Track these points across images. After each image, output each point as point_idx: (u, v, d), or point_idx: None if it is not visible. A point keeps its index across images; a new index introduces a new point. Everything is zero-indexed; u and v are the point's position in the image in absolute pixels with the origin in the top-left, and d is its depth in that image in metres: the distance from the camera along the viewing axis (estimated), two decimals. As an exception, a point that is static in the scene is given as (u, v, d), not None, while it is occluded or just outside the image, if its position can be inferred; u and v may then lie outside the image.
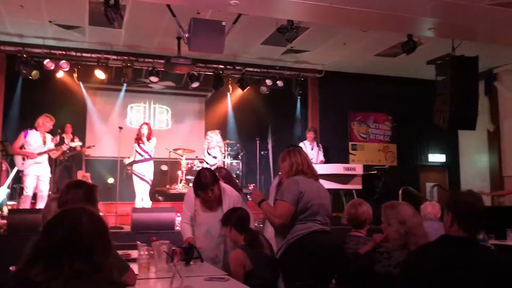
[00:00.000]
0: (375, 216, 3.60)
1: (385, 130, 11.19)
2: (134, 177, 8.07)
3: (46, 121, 7.64)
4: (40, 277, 1.45)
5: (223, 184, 4.08)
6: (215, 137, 9.24)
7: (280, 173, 3.82)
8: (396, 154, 11.17)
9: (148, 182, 8.08)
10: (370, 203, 3.81)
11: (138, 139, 8.13)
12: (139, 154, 8.09)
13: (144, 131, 8.13)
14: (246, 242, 3.46)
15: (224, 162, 9.88)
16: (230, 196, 4.00)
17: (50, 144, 7.76)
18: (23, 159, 7.54)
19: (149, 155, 8.12)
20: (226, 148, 10.06)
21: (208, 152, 9.13)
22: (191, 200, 4.03)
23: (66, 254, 1.51)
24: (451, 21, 7.02)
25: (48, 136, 7.79)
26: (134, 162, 8.08)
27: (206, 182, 3.81)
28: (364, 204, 3.70)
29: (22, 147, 7.57)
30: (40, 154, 7.53)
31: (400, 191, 8.61)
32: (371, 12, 6.60)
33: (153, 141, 8.20)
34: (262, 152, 10.56)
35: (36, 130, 7.62)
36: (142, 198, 8.05)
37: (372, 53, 9.46)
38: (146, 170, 8.05)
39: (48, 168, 7.80)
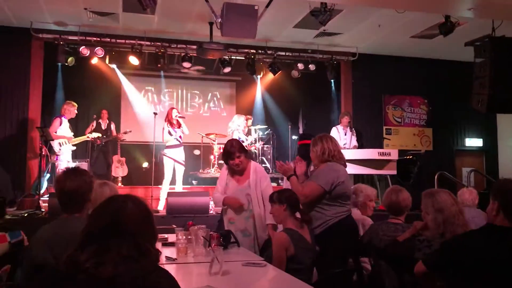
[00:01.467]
0: (415, 203, 3.58)
1: (420, 114, 10.95)
2: (165, 160, 8.11)
3: (69, 108, 8.00)
4: (89, 262, 1.50)
5: (254, 163, 4.32)
6: (236, 120, 9.26)
7: (296, 157, 4.17)
8: (432, 139, 10.92)
9: (181, 163, 8.14)
10: (406, 189, 3.77)
11: (170, 124, 8.15)
12: (173, 137, 8.11)
13: (175, 114, 8.18)
14: (296, 224, 3.41)
15: (254, 146, 9.91)
16: (258, 172, 4.18)
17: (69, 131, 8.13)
18: (60, 144, 7.82)
19: (180, 141, 8.18)
20: (257, 133, 10.06)
21: (238, 136, 9.12)
22: (224, 175, 4.29)
23: (113, 239, 1.55)
24: (491, 0, 6.75)
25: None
26: (168, 146, 8.14)
27: (232, 149, 4.07)
28: (404, 191, 3.66)
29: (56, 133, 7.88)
30: (73, 141, 8.01)
31: (436, 177, 8.46)
32: (407, -7, 6.43)
33: (184, 126, 8.25)
34: (293, 137, 10.52)
35: (64, 117, 7.96)
36: (175, 181, 8.15)
37: (407, 35, 9.22)
38: (178, 154, 8.13)
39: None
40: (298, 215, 3.48)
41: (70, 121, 8.24)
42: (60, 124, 7.95)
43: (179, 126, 8.17)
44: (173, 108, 8.42)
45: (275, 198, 3.49)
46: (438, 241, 2.89)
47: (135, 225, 1.61)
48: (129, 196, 1.71)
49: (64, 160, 7.84)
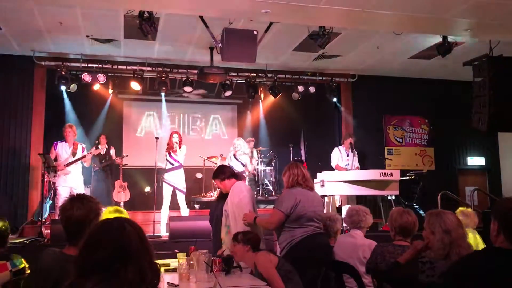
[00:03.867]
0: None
1: (421, 134, 10.97)
2: (164, 185, 8.13)
3: (68, 131, 7.93)
4: None
5: (238, 182, 4.60)
6: (243, 144, 9.24)
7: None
8: (434, 158, 10.92)
9: (181, 191, 8.14)
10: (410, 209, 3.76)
11: (170, 148, 8.20)
12: (170, 163, 8.16)
13: (175, 139, 8.21)
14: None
15: (256, 169, 9.90)
16: (233, 190, 4.49)
17: (82, 155, 7.92)
18: (55, 172, 7.76)
19: (179, 163, 8.19)
20: (259, 155, 10.08)
21: (236, 159, 9.04)
22: None
23: (118, 264, 1.55)
24: (487, 21, 6.84)
25: (80, 147, 8.00)
26: (165, 170, 8.16)
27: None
28: (411, 213, 3.64)
29: (55, 159, 7.83)
30: (67, 165, 7.76)
31: (439, 196, 8.42)
32: (404, 15, 6.52)
33: (183, 149, 8.24)
34: (295, 158, 10.53)
35: (66, 142, 7.91)
36: (180, 206, 8.13)
37: (406, 56, 9.31)
38: (177, 179, 8.11)
39: (81, 179, 8.03)
40: None
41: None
42: (55, 150, 7.89)
43: (175, 151, 8.16)
44: (174, 132, 8.46)
45: (240, 239, 3.69)
46: (441, 262, 2.87)
47: (136, 247, 1.61)
48: (122, 219, 1.71)
49: (64, 185, 7.74)
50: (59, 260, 2.27)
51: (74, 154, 7.94)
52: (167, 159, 8.18)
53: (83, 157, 7.94)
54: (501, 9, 6.35)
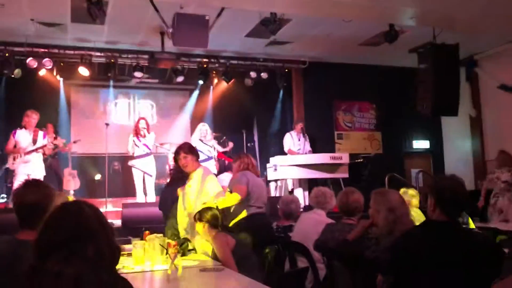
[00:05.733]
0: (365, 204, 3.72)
1: (369, 119, 11.34)
2: (134, 171, 8.08)
3: (30, 117, 7.60)
4: (55, 268, 1.52)
5: (204, 166, 4.63)
6: (209, 129, 9.22)
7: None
8: (381, 142, 11.32)
9: (149, 175, 8.15)
10: (359, 191, 3.92)
11: (137, 134, 8.13)
12: (139, 148, 8.10)
13: (142, 125, 8.15)
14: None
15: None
16: (203, 174, 4.35)
17: (43, 142, 7.67)
18: (13, 159, 7.52)
19: (150, 149, 8.17)
20: (212, 141, 10.09)
21: (204, 143, 8.93)
22: None
23: (76, 244, 1.59)
24: (431, 10, 7.14)
25: (41, 134, 7.74)
26: (134, 157, 8.10)
27: (178, 149, 4.39)
28: (356, 192, 3.81)
29: (14, 146, 7.55)
30: (28, 152, 7.50)
31: (386, 178, 8.77)
32: (353, 3, 6.70)
33: (152, 135, 8.24)
34: (248, 144, 10.63)
35: (25, 128, 7.60)
36: (146, 192, 8.12)
37: (355, 43, 9.55)
38: (148, 165, 8.11)
39: (42, 166, 7.75)
40: None
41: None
42: (14, 137, 7.59)
43: (144, 136, 8.12)
44: (141, 118, 8.39)
45: (197, 218, 3.70)
46: (385, 239, 3.03)
47: (95, 227, 1.65)
48: (80, 201, 1.76)
49: (22, 173, 7.48)
50: (12, 246, 2.25)
51: (34, 141, 7.60)
52: (135, 144, 8.12)
53: (44, 146, 7.67)
54: (443, -2, 6.65)
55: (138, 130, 8.16)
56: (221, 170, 9.48)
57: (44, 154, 7.91)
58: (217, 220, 3.67)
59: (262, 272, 3.47)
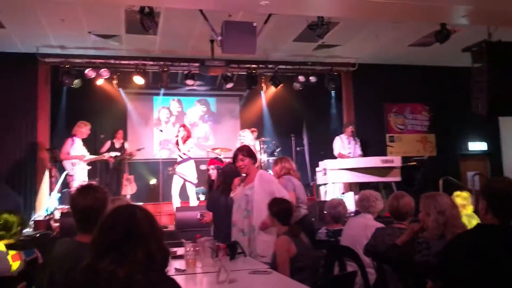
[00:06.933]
0: (416, 208, 3.66)
1: (422, 120, 11.05)
2: (174, 177, 8.34)
3: (81, 128, 8.13)
4: (108, 268, 1.63)
5: (262, 170, 4.80)
6: (248, 135, 9.33)
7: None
8: (435, 144, 11.01)
9: (191, 182, 8.34)
10: (411, 195, 3.86)
11: (176, 142, 8.41)
12: (179, 155, 8.38)
13: (181, 133, 8.38)
14: (289, 231, 3.63)
15: (259, 159, 10.00)
16: (263, 177, 4.37)
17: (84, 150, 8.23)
18: (72, 164, 7.98)
19: (187, 156, 8.37)
20: (262, 146, 10.17)
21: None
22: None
23: (128, 246, 1.69)
24: (485, 7, 6.89)
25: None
26: (176, 163, 8.37)
27: (237, 151, 4.52)
28: (406, 196, 3.76)
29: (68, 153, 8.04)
30: (88, 160, 8.08)
31: (440, 182, 8.52)
32: (402, 4, 6.57)
33: (189, 142, 8.44)
34: (298, 148, 10.63)
35: (79, 137, 8.11)
36: (189, 197, 8.34)
37: (405, 44, 9.37)
38: (187, 170, 8.31)
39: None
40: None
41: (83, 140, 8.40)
42: (72, 144, 8.11)
43: (184, 142, 8.34)
44: (181, 126, 8.65)
45: (270, 207, 3.75)
46: (436, 242, 2.98)
47: (146, 230, 1.75)
48: (133, 205, 1.88)
49: (79, 179, 7.96)
50: (72, 248, 2.40)
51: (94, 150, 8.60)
52: (178, 150, 8.43)
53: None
54: (497, -6, 6.40)
55: (177, 136, 8.43)
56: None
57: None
58: (286, 215, 3.71)
59: (314, 277, 3.49)
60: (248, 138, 9.16)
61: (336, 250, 4.19)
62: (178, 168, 8.30)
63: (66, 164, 8.01)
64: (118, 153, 8.88)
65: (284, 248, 3.44)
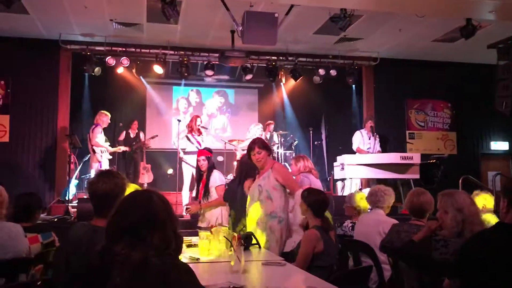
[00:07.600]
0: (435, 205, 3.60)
1: (444, 118, 10.87)
2: (185, 166, 8.25)
3: (102, 117, 8.29)
4: (124, 251, 1.63)
5: (276, 162, 4.68)
6: (253, 128, 9.31)
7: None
8: (456, 142, 10.83)
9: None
10: (430, 192, 3.78)
11: (192, 131, 8.29)
12: (192, 145, 8.25)
13: (199, 122, 8.33)
14: (322, 225, 3.55)
15: (276, 152, 9.96)
16: (276, 168, 4.34)
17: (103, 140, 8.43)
18: (101, 152, 8.14)
19: (198, 148, 8.30)
20: (279, 139, 10.13)
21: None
22: None
23: (144, 230, 1.70)
24: (513, 3, 6.72)
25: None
26: (186, 153, 8.27)
27: (252, 145, 4.40)
28: (427, 193, 3.68)
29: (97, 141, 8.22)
30: (111, 151, 8.46)
31: (460, 180, 8.37)
32: (427, -3, 6.46)
33: (204, 133, 8.42)
34: (315, 142, 10.57)
35: (100, 127, 8.23)
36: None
37: (429, 39, 9.20)
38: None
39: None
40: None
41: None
42: (100, 133, 8.27)
43: (199, 134, 8.28)
44: (197, 116, 8.57)
45: (304, 196, 3.66)
46: (454, 240, 2.92)
47: (162, 216, 1.76)
48: (151, 191, 1.87)
49: (104, 167, 8.10)
50: (88, 231, 2.41)
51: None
52: (189, 140, 8.24)
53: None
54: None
55: (193, 127, 8.27)
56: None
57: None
58: (322, 207, 3.61)
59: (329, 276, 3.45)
60: (252, 132, 9.11)
61: (351, 244, 4.14)
62: (188, 158, 8.20)
63: (97, 150, 8.12)
64: (127, 149, 9.02)
65: (311, 244, 3.38)
